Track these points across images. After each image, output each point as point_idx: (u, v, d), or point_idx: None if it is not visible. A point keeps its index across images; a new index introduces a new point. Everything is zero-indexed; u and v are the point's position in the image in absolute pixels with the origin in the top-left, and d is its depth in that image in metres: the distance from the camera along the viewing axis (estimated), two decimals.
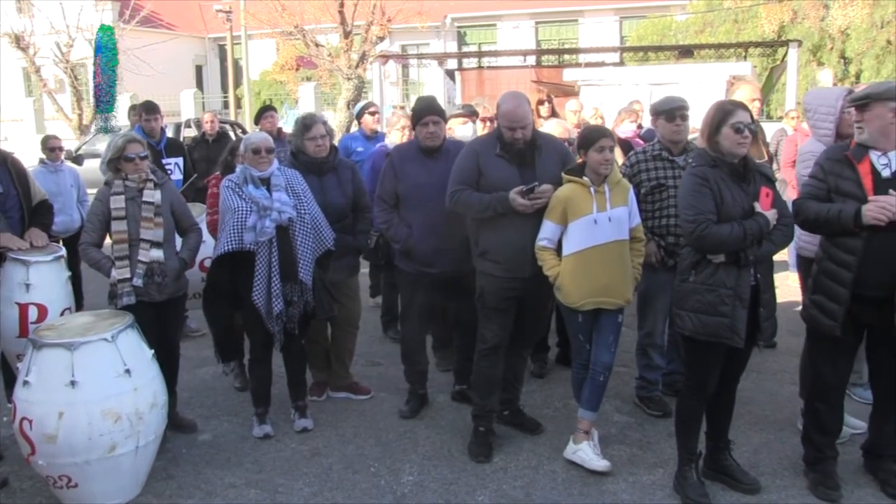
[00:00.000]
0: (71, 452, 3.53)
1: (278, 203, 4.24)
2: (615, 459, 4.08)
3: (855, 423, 4.22)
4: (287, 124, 14.43)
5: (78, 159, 11.87)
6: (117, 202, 4.20)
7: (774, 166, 7.38)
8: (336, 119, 17.44)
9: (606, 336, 3.97)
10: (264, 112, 8.07)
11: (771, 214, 3.46)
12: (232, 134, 12.55)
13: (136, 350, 3.81)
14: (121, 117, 12.08)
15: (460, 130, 5.53)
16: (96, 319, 3.92)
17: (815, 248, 4.15)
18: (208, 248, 4.73)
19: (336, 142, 5.44)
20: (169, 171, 6.39)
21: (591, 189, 3.86)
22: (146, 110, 6.68)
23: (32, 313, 4.23)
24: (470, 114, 5.90)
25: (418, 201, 4.45)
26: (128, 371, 3.67)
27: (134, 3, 21.35)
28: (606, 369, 3.97)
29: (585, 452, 3.99)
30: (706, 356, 3.57)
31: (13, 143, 18.86)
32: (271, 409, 4.63)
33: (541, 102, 7.37)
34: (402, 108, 12.18)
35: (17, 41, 19.19)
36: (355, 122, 7.28)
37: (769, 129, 8.50)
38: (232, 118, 21.78)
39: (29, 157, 8.24)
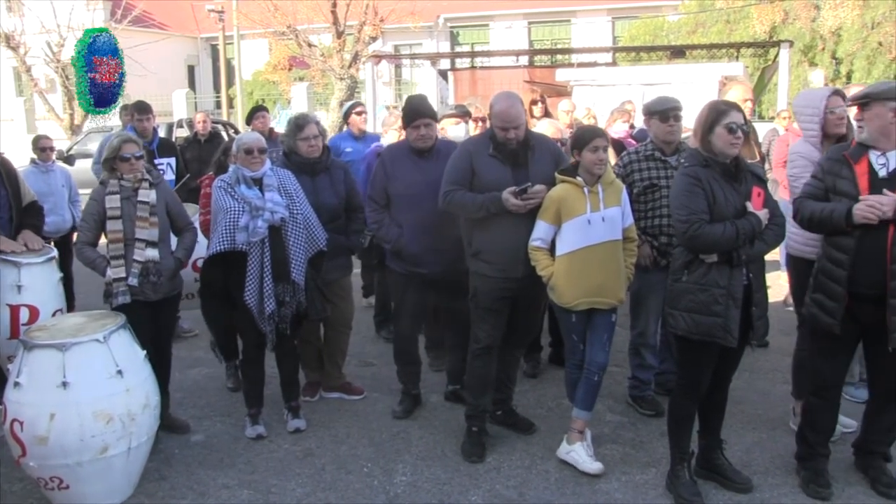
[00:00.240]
0: (62, 454, 3.52)
1: (270, 203, 4.23)
2: (608, 459, 4.08)
3: (846, 422, 4.24)
4: (280, 124, 14.39)
5: (69, 159, 11.78)
6: (113, 201, 4.20)
7: (766, 166, 7.40)
8: (329, 119, 17.43)
9: (600, 335, 3.98)
10: (256, 112, 8.05)
11: (763, 214, 3.48)
12: (224, 134, 12.51)
13: (128, 351, 3.80)
14: (112, 117, 12.04)
15: (453, 131, 5.53)
16: (88, 320, 3.91)
17: (802, 247, 4.19)
18: (202, 249, 4.72)
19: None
20: (161, 172, 6.37)
21: (585, 189, 3.86)
22: (138, 110, 6.66)
23: (24, 315, 4.21)
24: (462, 114, 5.90)
25: (410, 201, 4.45)
26: (120, 372, 3.66)
27: (125, 2, 21.29)
28: (601, 369, 3.98)
29: (579, 454, 4.00)
30: (699, 356, 3.59)
31: (4, 143, 18.76)
32: (264, 410, 4.62)
33: (534, 102, 7.37)
34: (396, 107, 12.16)
35: (8, 40, 19.08)
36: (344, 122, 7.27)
37: (761, 130, 8.51)
38: (224, 118, 21.70)
39: (20, 157, 8.21)
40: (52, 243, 5.85)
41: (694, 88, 10.24)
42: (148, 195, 4.27)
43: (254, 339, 4.42)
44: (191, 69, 32.86)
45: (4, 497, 3.90)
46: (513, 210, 3.90)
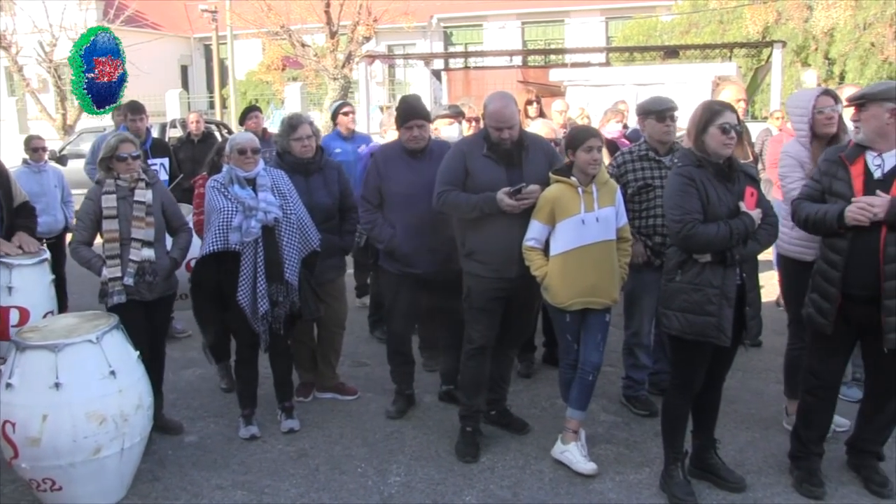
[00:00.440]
0: (55, 455, 3.50)
1: (264, 203, 4.23)
2: (602, 459, 4.09)
3: (840, 422, 4.25)
4: (273, 124, 14.37)
5: (62, 159, 11.75)
6: (109, 201, 4.21)
7: (759, 166, 7.42)
8: (322, 119, 17.39)
9: (595, 335, 3.98)
10: (249, 112, 8.04)
11: (756, 214, 3.49)
12: (217, 134, 12.46)
13: (121, 351, 3.78)
14: (105, 117, 11.98)
15: (446, 131, 5.53)
16: (81, 321, 3.89)
17: (791, 247, 4.20)
18: (196, 249, 4.71)
19: None
20: (154, 172, 6.35)
21: (580, 189, 3.86)
22: (131, 110, 6.63)
23: (14, 316, 4.18)
24: (456, 114, 5.89)
25: (403, 202, 4.45)
26: (113, 373, 3.64)
27: (118, 2, 21.21)
28: (595, 369, 3.98)
29: (573, 454, 4.00)
30: (693, 355, 3.59)
31: None
32: (258, 410, 4.61)
33: (529, 102, 7.39)
34: (390, 107, 12.16)
35: None
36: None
37: (754, 130, 8.55)
38: (217, 118, 21.65)
39: (12, 157, 8.17)
40: (45, 244, 5.83)
41: (687, 88, 10.26)
42: (144, 195, 4.27)
43: (247, 339, 4.41)
44: (184, 69, 32.77)
45: None
46: (507, 210, 3.89)
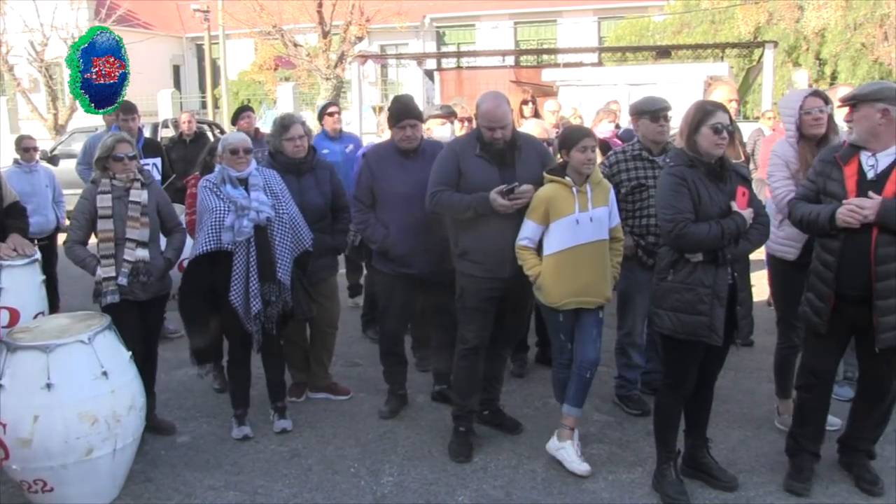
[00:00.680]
0: (47, 456, 3.49)
1: (256, 203, 4.22)
2: (595, 458, 4.09)
3: (831, 420, 4.25)
4: (265, 124, 14.34)
5: (53, 159, 11.72)
6: (104, 201, 4.20)
7: (751, 166, 7.45)
8: (314, 119, 17.36)
9: (590, 331, 3.98)
10: (241, 112, 8.03)
11: (747, 213, 3.50)
12: (210, 134, 12.46)
13: (113, 352, 3.77)
14: (96, 117, 11.94)
15: (438, 131, 5.52)
16: (73, 321, 3.87)
17: (777, 246, 4.22)
18: (188, 249, 4.69)
19: None
20: (149, 172, 6.33)
21: (574, 189, 3.87)
22: (123, 110, 6.60)
23: (4, 317, 4.16)
24: (448, 114, 5.89)
25: (395, 202, 4.45)
26: (105, 373, 3.63)
27: (110, 1, 21.11)
28: (593, 366, 3.99)
29: (568, 453, 4.00)
30: (684, 355, 3.60)
31: None
32: (250, 411, 4.61)
33: (524, 102, 7.39)
34: (382, 108, 12.15)
35: None
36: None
37: (745, 130, 8.57)
38: (210, 118, 21.59)
39: (3, 157, 8.13)
40: (36, 244, 5.80)
41: (679, 88, 10.27)
42: (139, 195, 4.27)
43: (239, 339, 4.41)
44: (176, 69, 32.66)
45: None
46: (500, 210, 3.90)
